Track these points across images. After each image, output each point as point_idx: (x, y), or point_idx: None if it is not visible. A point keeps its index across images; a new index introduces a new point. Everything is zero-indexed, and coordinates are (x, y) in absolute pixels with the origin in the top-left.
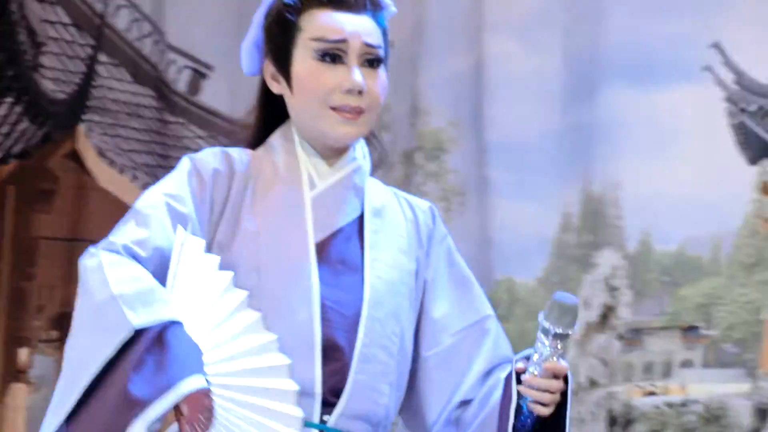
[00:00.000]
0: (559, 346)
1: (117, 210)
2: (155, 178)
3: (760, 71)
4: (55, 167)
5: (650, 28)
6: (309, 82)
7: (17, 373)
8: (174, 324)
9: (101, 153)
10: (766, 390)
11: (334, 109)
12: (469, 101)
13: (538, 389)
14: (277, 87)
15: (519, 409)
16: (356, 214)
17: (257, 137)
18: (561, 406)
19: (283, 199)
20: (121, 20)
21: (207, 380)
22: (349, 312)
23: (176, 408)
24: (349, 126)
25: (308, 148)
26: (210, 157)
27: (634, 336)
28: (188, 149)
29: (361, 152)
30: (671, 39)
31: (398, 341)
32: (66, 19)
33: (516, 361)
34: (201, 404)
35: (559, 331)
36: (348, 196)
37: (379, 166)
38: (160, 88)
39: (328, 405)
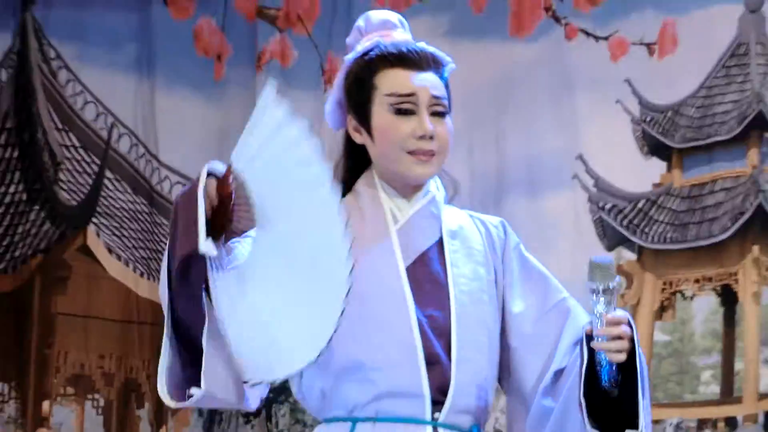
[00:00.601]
0: (610, 300)
1: (123, 293)
2: (149, 267)
3: (612, 176)
4: (69, 258)
5: (536, 148)
6: (387, 132)
7: (42, 420)
8: None
9: (110, 250)
10: None
11: (410, 153)
12: None
13: (609, 340)
14: (359, 138)
15: (600, 365)
16: (436, 238)
17: (345, 184)
18: (634, 353)
19: (372, 235)
20: (123, 145)
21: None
22: (441, 324)
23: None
24: (424, 167)
25: (389, 188)
26: None
27: None
28: None
29: (434, 185)
30: (550, 154)
31: (486, 341)
32: (77, 143)
33: (584, 328)
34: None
35: (606, 286)
36: (426, 224)
37: (453, 197)
38: (153, 197)
39: (437, 404)
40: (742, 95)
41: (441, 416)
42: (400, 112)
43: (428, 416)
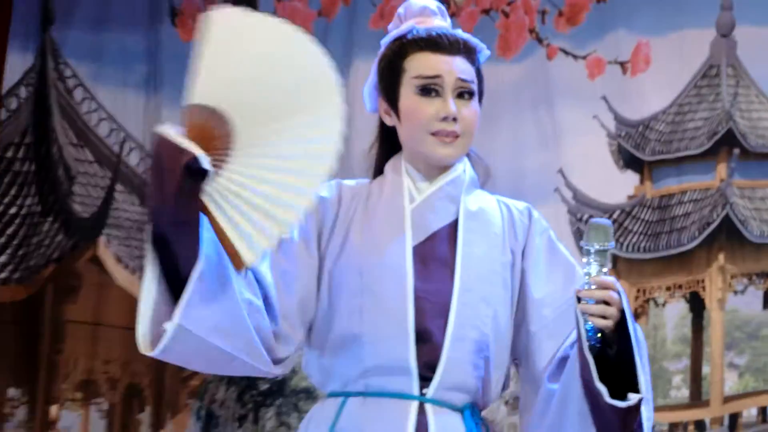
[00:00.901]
0: (602, 262)
1: (130, 302)
2: None
3: (589, 189)
4: (80, 268)
5: (521, 163)
6: (413, 113)
7: (50, 425)
8: None
9: (119, 259)
10: None
11: (434, 134)
12: None
13: (595, 304)
14: (389, 120)
15: (585, 328)
16: (451, 218)
17: (377, 167)
18: (624, 323)
19: (386, 213)
20: (133, 158)
21: None
22: (441, 300)
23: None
24: (447, 148)
25: (413, 170)
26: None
27: (517, 402)
28: None
29: (461, 167)
30: (534, 169)
31: (491, 321)
32: (91, 158)
33: (574, 289)
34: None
35: (597, 247)
36: (442, 205)
37: (486, 181)
38: None
39: (425, 379)
40: (712, 113)
41: (429, 391)
42: (424, 92)
43: (416, 391)
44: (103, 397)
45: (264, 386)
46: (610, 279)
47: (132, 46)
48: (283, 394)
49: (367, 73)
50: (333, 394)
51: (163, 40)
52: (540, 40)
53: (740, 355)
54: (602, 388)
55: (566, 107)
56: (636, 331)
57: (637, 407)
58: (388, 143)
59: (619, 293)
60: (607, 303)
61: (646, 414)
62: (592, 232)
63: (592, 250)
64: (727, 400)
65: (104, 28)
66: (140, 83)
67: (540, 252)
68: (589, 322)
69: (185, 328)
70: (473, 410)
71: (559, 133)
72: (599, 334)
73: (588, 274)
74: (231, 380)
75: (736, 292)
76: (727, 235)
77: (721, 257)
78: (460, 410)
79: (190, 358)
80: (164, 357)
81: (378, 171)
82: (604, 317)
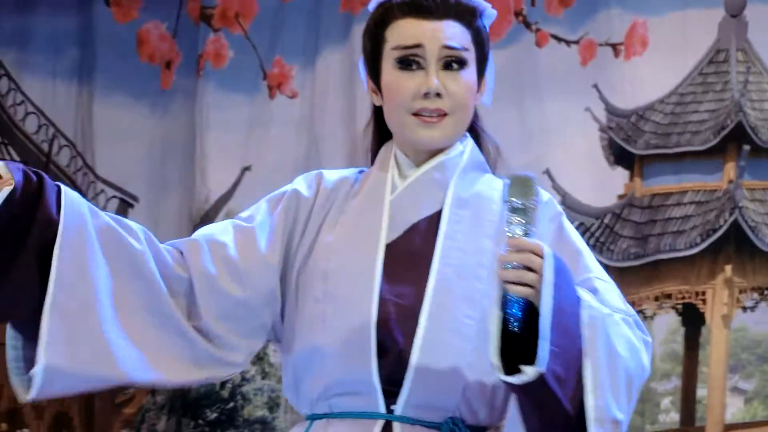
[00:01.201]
0: (525, 221)
1: None
2: None
3: (579, 192)
4: None
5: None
6: (392, 90)
7: None
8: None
9: None
10: None
11: (416, 114)
12: None
13: (513, 268)
14: (376, 99)
15: (504, 299)
16: (436, 207)
17: (373, 153)
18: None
19: (362, 207)
20: (63, 157)
21: None
22: (411, 302)
23: None
24: (431, 130)
25: (401, 156)
26: (301, 179)
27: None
28: None
29: (460, 148)
30: (517, 169)
31: (475, 324)
32: (17, 158)
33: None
34: None
35: (516, 204)
36: (426, 193)
37: (497, 162)
38: None
39: (392, 395)
40: (720, 104)
41: (397, 408)
42: (404, 65)
43: (381, 409)
44: (28, 427)
45: (212, 416)
46: (532, 242)
47: (62, 30)
48: (233, 424)
49: (337, 63)
50: (307, 418)
51: (96, 21)
52: (528, 25)
53: (748, 380)
54: (495, 362)
55: (555, 99)
56: (563, 302)
57: (541, 384)
58: (382, 126)
59: (544, 257)
60: (530, 269)
61: (594, 402)
62: (511, 187)
63: (510, 208)
64: (729, 428)
65: (31, 9)
66: (71, 71)
67: (545, 240)
68: (508, 293)
69: (55, 368)
70: (456, 426)
71: (546, 129)
72: (520, 311)
73: (508, 235)
74: (172, 408)
75: (744, 309)
76: (736, 244)
77: (728, 269)
78: (438, 427)
79: (80, 387)
80: (44, 395)
81: (375, 158)
82: (525, 285)
